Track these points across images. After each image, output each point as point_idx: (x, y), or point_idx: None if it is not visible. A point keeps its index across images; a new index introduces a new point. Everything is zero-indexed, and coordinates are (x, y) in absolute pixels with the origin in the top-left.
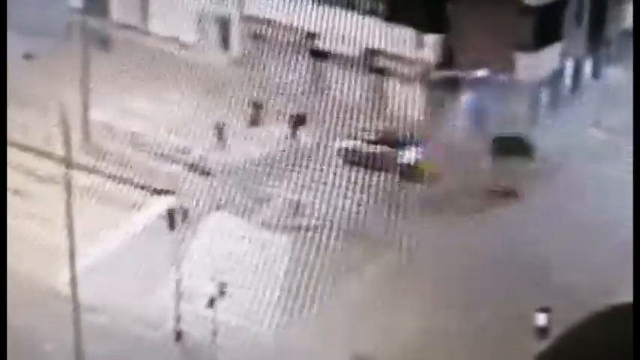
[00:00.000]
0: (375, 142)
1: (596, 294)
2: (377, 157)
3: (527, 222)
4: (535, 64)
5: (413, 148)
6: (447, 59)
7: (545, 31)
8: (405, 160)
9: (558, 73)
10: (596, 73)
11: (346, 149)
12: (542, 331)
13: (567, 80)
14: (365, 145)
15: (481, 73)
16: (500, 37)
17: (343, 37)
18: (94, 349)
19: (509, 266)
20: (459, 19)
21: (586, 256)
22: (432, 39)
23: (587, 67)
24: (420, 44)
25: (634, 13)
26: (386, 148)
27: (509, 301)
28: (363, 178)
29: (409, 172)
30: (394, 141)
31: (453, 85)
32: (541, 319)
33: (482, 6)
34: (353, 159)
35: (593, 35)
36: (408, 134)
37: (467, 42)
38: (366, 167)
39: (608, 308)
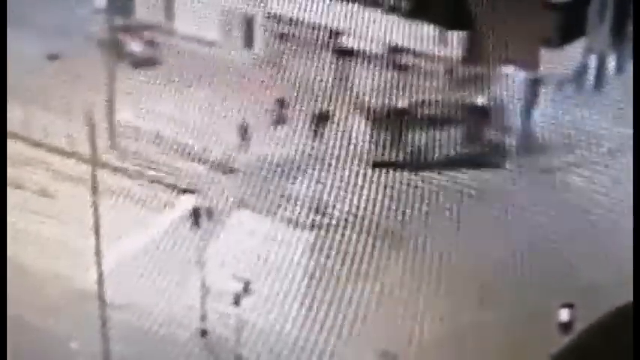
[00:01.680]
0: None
1: (619, 291)
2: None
3: (550, 219)
4: (559, 60)
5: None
6: (472, 55)
7: (570, 27)
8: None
9: (582, 69)
10: (619, 69)
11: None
12: (566, 326)
13: (591, 75)
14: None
15: (506, 69)
16: (525, 33)
17: (367, 34)
18: (120, 347)
19: (533, 263)
20: (483, 15)
21: (609, 253)
22: (456, 35)
23: (611, 62)
24: (444, 41)
25: (634, 13)
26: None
27: (533, 298)
28: (385, 177)
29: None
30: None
31: (477, 81)
32: (564, 314)
33: (506, 2)
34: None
35: (617, 31)
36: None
37: (491, 38)
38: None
39: (629, 304)
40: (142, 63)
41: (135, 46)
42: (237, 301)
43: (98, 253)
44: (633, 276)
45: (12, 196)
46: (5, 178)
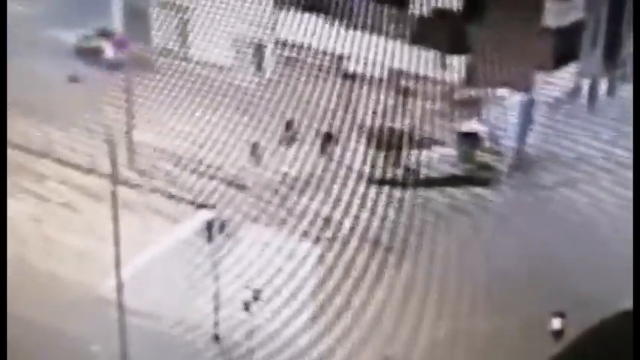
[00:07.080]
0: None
1: (609, 300)
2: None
3: (543, 230)
4: (553, 82)
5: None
6: (470, 79)
7: (563, 51)
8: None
9: (575, 91)
10: (610, 91)
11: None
12: (558, 334)
13: (583, 97)
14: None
15: (502, 91)
16: (521, 57)
17: (370, 59)
18: (137, 349)
19: (526, 273)
20: (481, 40)
21: (600, 263)
22: (455, 60)
23: (603, 85)
24: (443, 65)
25: (634, 13)
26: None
27: (526, 307)
28: (386, 193)
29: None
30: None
31: (474, 103)
32: (556, 323)
33: (503, 28)
34: None
35: (608, 56)
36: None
37: (488, 62)
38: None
39: (619, 313)
40: (115, 67)
41: (109, 51)
42: (247, 308)
43: (117, 262)
44: (633, 279)
45: (38, 208)
46: (5, 181)
